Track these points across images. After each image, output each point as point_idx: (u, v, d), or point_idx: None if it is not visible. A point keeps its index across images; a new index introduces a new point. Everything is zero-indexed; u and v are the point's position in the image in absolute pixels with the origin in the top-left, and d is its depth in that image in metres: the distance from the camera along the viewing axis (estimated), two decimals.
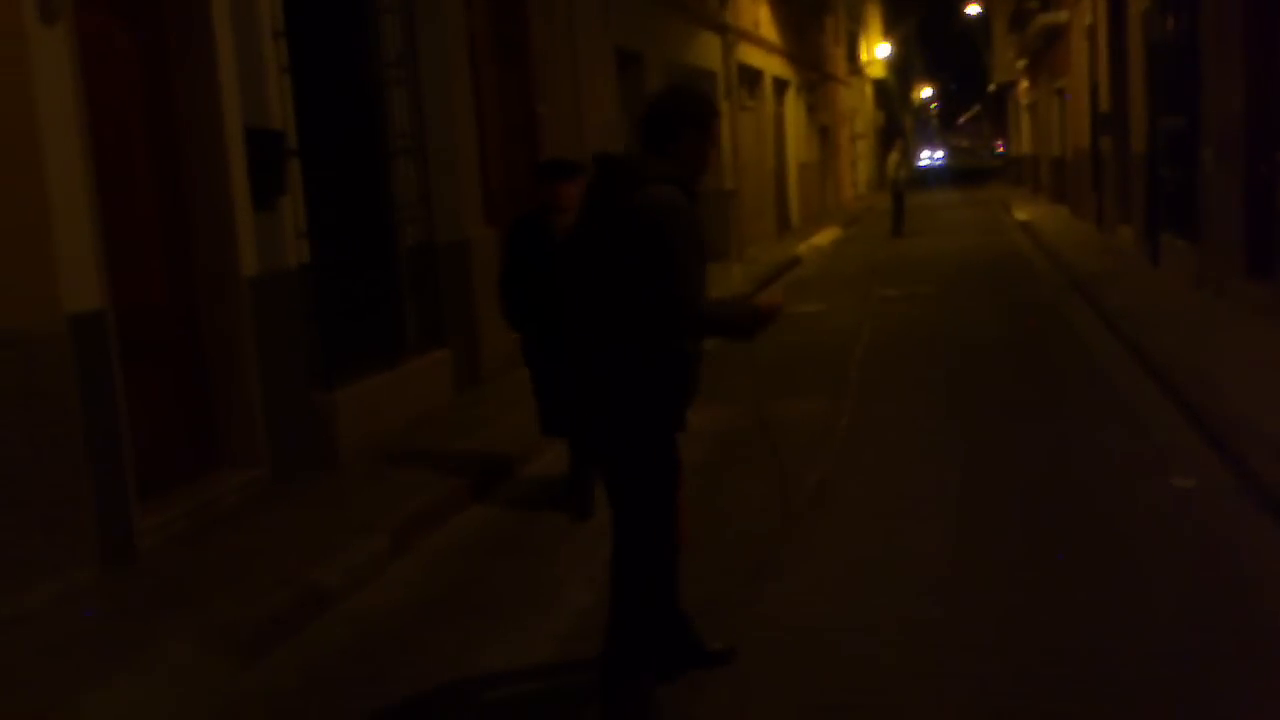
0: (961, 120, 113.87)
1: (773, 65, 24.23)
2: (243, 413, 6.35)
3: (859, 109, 44.34)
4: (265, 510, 6.13)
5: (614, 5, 12.85)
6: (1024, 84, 39.26)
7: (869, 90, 47.78)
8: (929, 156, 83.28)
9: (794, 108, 27.29)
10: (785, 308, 3.78)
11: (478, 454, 7.07)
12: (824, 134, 33.23)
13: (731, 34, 19.57)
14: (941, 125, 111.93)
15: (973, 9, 49.07)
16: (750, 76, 22.22)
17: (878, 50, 47.09)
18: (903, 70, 61.36)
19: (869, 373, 9.52)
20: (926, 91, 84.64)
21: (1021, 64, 37.22)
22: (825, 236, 23.99)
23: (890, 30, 50.28)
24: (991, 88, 54.00)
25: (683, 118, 3.79)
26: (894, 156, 25.32)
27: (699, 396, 3.86)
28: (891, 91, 55.98)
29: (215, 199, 6.18)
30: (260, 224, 6.39)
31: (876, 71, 47.93)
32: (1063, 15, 24.35)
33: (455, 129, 8.76)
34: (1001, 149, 63.32)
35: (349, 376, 7.26)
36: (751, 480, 6.51)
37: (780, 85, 25.64)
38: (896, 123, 60.75)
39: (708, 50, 18.29)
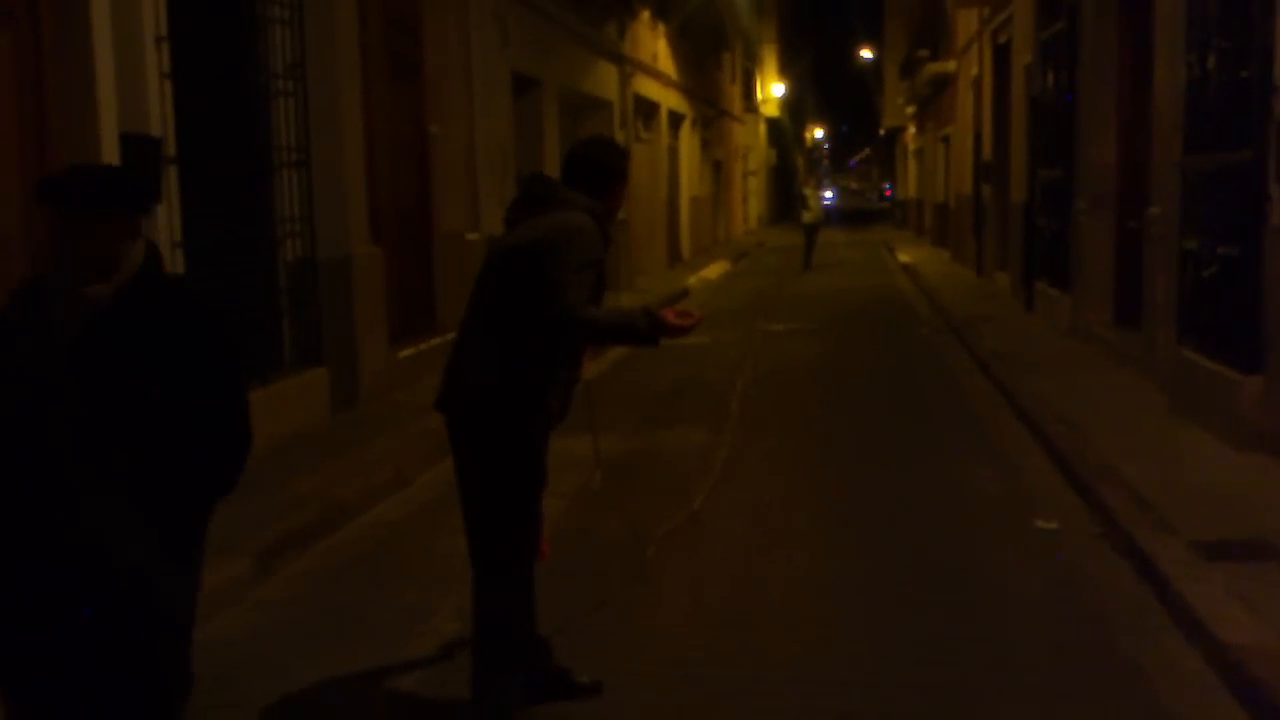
0: (852, 162, 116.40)
1: (669, 98, 24.46)
2: None
3: (753, 146, 45.02)
4: None
5: (512, 29, 12.83)
6: (912, 129, 40.28)
7: (763, 128, 48.58)
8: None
9: (689, 141, 27.57)
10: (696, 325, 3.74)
11: (349, 476, 6.93)
12: (717, 169, 33.65)
13: (629, 65, 19.71)
14: (832, 166, 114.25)
15: (866, 53, 50.28)
16: (647, 108, 22.40)
17: (773, 89, 47.94)
18: (796, 110, 62.52)
19: (750, 406, 9.60)
20: (819, 132, 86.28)
21: (911, 110, 38.20)
22: (714, 270, 24.23)
23: (785, 70, 51.22)
24: (882, 132, 55.33)
25: (616, 173, 4.02)
26: (811, 192, 27.18)
27: (571, 422, 3.88)
28: (785, 130, 56.97)
29: None
30: None
31: (771, 110, 48.77)
32: (951, 65, 25.07)
33: (342, 144, 8.63)
34: (889, 192, 64.87)
35: None
36: (625, 511, 6.50)
37: (676, 119, 25.89)
38: (789, 161, 61.85)
39: (605, 80, 18.39)
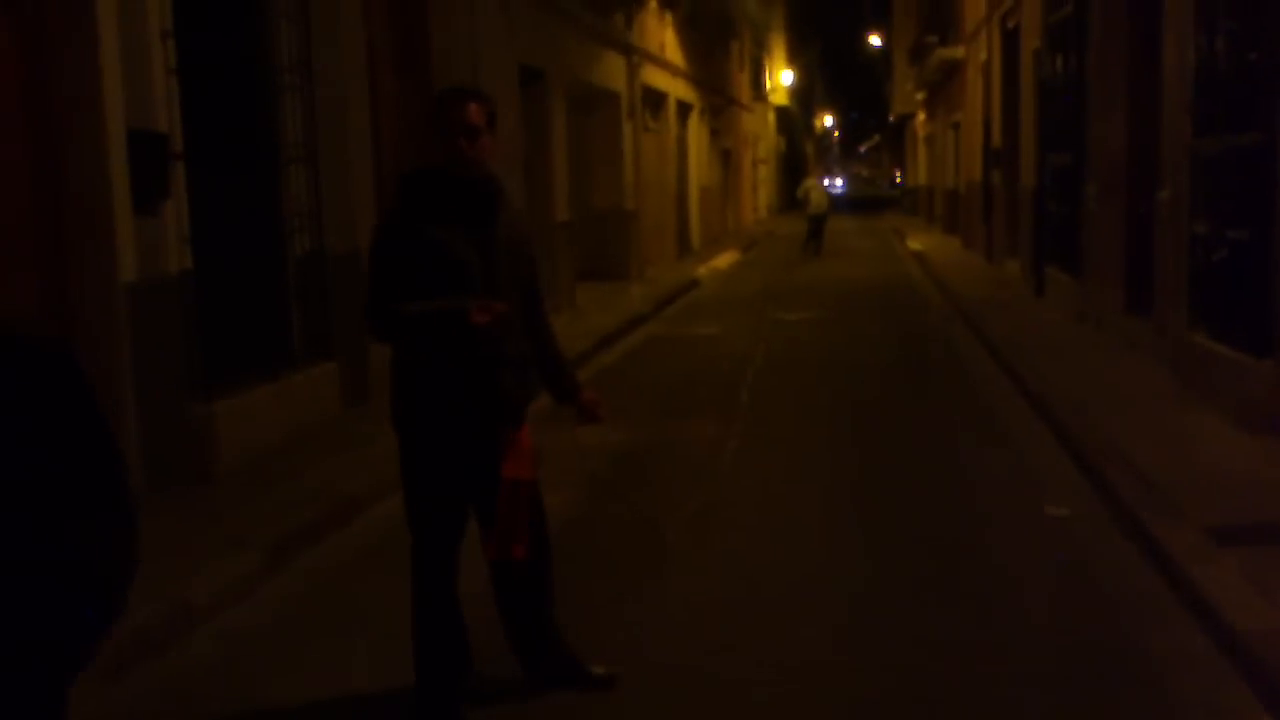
0: (862, 149, 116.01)
1: (677, 88, 24.41)
2: (115, 423, 6.13)
3: (761, 135, 44.91)
4: (142, 524, 5.93)
5: (518, 21, 12.81)
6: (921, 116, 40.13)
7: (772, 117, 48.43)
8: (829, 184, 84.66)
9: (697, 131, 27.50)
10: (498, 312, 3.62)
11: (360, 469, 6.95)
12: (726, 158, 33.56)
13: (637, 55, 19.66)
14: (842, 153, 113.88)
15: (875, 40, 50.07)
16: (654, 98, 22.35)
17: (782, 77, 47.79)
18: (805, 98, 62.36)
19: (760, 396, 9.60)
20: (828, 120, 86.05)
21: (920, 96, 38.05)
22: (724, 259, 24.19)
23: (794, 58, 51.08)
24: (891, 118, 55.14)
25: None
26: (813, 185, 27.28)
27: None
28: (794, 118, 56.83)
29: (93, 201, 5.98)
30: (141, 229, 6.21)
31: (780, 98, 48.62)
32: (960, 51, 24.96)
33: (350, 138, 8.64)
34: (899, 179, 64.68)
35: (230, 388, 7.09)
36: (636, 503, 6.51)
37: (684, 108, 25.83)
38: (799, 149, 61.68)
39: (612, 70, 18.35)
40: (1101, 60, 11.40)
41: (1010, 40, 17.74)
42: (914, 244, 26.34)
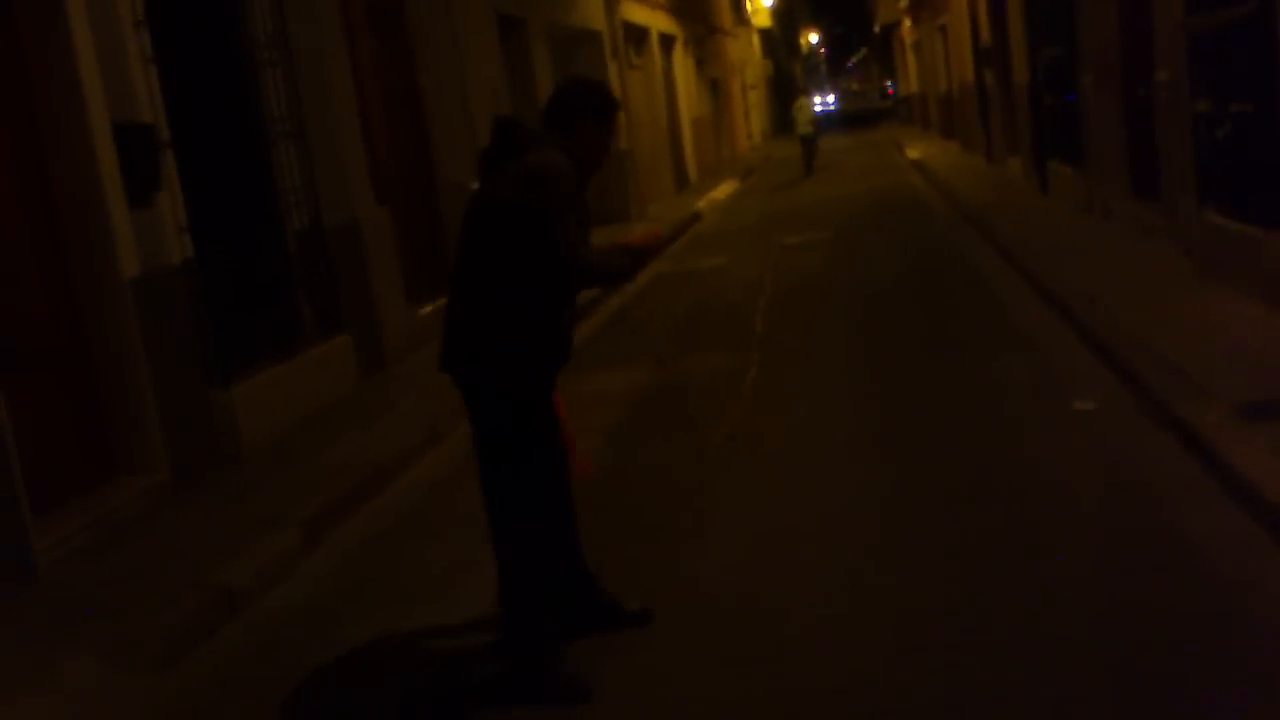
0: (850, 64, 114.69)
1: (658, 21, 24.11)
2: (136, 418, 6.17)
3: (748, 60, 44.41)
4: (168, 515, 5.98)
5: None
6: (907, 23, 39.57)
7: (756, 40, 47.88)
8: (821, 102, 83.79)
9: (683, 63, 27.20)
10: (661, 240, 3.98)
11: (385, 439, 6.96)
12: (715, 87, 33.22)
13: None
14: (830, 70, 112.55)
15: None
16: (636, 34, 22.08)
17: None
18: (788, 18, 61.52)
19: (773, 324, 9.56)
20: (813, 37, 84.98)
21: (904, 3, 37.50)
22: (723, 190, 24.03)
23: None
24: (877, 29, 54.38)
25: (581, 109, 3.93)
26: (802, 105, 27.63)
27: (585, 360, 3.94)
28: (778, 40, 56.14)
29: (86, 200, 5.96)
30: (138, 222, 6.18)
31: (762, 21, 48.01)
32: None
33: (335, 107, 8.56)
34: (890, 90, 63.92)
35: (246, 371, 7.10)
36: (662, 441, 6.51)
37: (667, 41, 25.53)
38: (786, 71, 61.02)
39: (591, 10, 18.11)
40: None
41: None
42: (913, 152, 26.10)
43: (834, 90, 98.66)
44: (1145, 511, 4.60)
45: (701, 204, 21.15)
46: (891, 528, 4.83)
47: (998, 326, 8.27)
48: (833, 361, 8.04)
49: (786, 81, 57.90)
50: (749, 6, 44.88)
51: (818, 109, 43.98)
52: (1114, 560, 4.20)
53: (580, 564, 4.18)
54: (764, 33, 49.85)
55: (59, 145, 5.91)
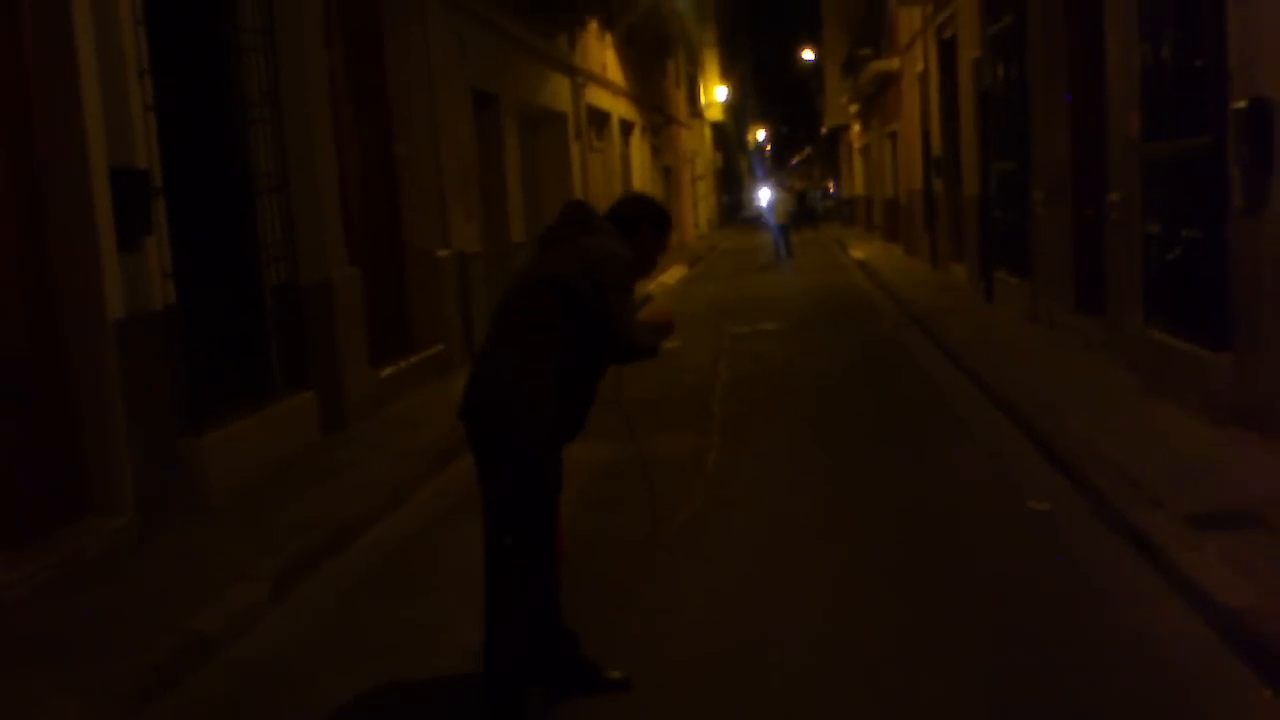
0: (794, 161, 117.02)
1: (619, 107, 24.63)
2: (108, 459, 6.16)
3: (699, 151, 45.30)
4: (135, 559, 5.96)
5: (470, 46, 12.92)
6: (856, 128, 40.69)
7: (708, 133, 48.89)
8: (767, 198, 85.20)
9: (639, 149, 27.75)
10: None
11: (349, 496, 7.00)
12: (668, 174, 33.85)
13: (581, 76, 19.84)
14: (774, 166, 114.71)
15: (807, 55, 50.68)
16: (599, 118, 22.53)
17: (716, 93, 48.25)
18: (738, 113, 62.89)
19: (730, 408, 9.75)
20: (760, 134, 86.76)
21: (854, 109, 38.60)
22: (673, 274, 24.38)
23: (727, 73, 51.58)
24: (824, 131, 55.75)
25: (645, 216, 4.39)
26: (782, 198, 30.74)
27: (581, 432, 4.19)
28: (729, 134, 57.34)
29: (79, 240, 6.01)
30: (125, 265, 6.24)
31: (715, 114, 49.12)
32: (895, 62, 25.42)
33: (317, 167, 8.70)
34: (831, 190, 65.22)
35: (216, 420, 7.11)
36: (624, 514, 6.62)
37: (627, 127, 26.06)
38: (734, 165, 62.18)
39: (559, 92, 18.50)
40: (1042, 69, 11.75)
41: (947, 50, 18.14)
42: (857, 253, 26.72)
43: (775, 186, 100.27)
44: (1102, 609, 4.80)
45: (653, 287, 21.44)
46: (851, 607, 5.00)
47: (948, 425, 8.54)
48: (789, 448, 8.23)
49: (735, 174, 59.00)
50: (703, 99, 45.91)
51: (762, 204, 44.91)
52: (1073, 656, 4.38)
53: (562, 623, 4.30)
54: (716, 126, 50.93)
55: (57, 183, 5.97)
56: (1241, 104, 6.59)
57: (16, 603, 5.27)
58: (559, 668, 4.29)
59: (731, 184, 57.21)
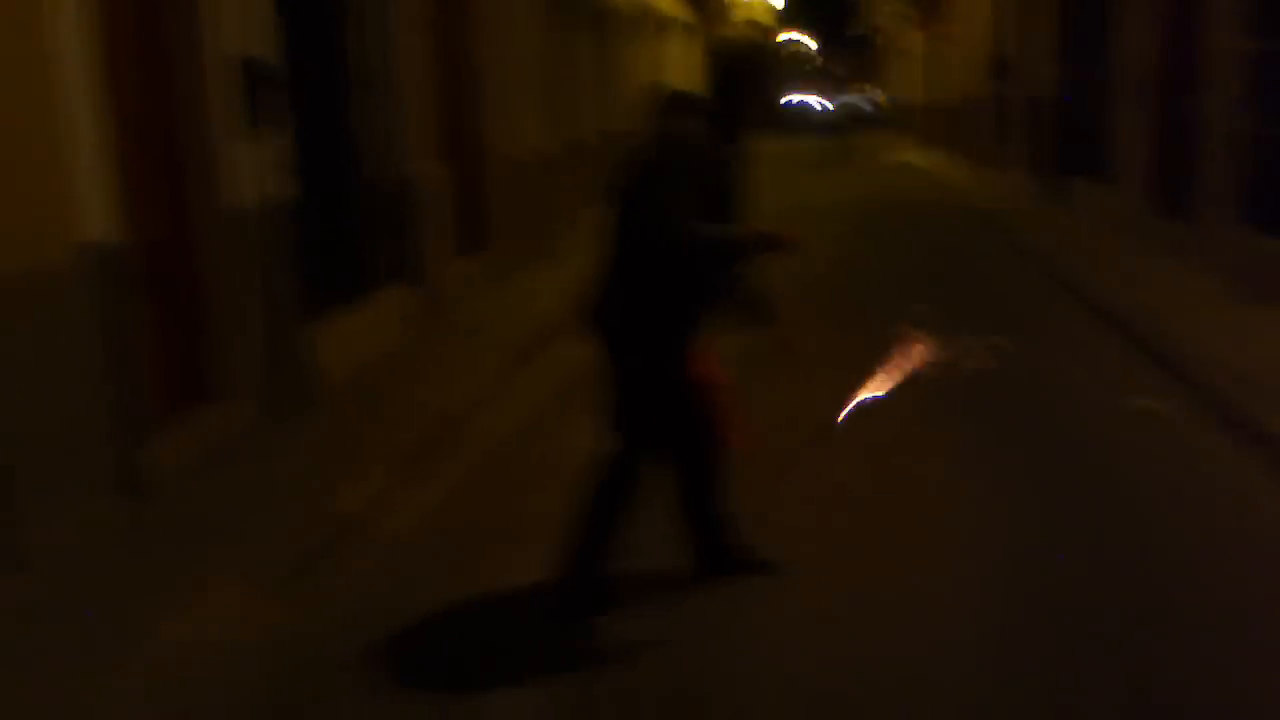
0: (838, 70, 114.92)
1: (678, 10, 24.26)
2: (237, 345, 6.31)
3: None
4: (264, 443, 6.12)
5: None
6: (908, 31, 39.88)
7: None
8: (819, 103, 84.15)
9: (692, 51, 27.39)
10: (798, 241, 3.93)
11: (454, 386, 7.13)
12: None
13: None
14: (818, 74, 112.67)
15: None
16: (649, 18, 22.20)
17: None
18: (787, 22, 61.70)
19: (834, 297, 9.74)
20: (811, 42, 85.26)
21: (905, 11, 37.78)
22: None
23: None
24: (868, 35, 54.60)
25: (738, 73, 4.08)
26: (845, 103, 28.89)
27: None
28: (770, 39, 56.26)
29: (213, 130, 6.09)
30: (254, 156, 6.34)
31: (763, 17, 48.16)
32: None
33: (414, 64, 8.75)
34: (882, 98, 64.17)
35: (326, 312, 7.26)
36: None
37: (684, 27, 25.71)
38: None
39: None
40: None
41: None
42: (917, 160, 26.42)
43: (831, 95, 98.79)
44: (1231, 504, 4.88)
45: None
46: (979, 533, 5.09)
47: (1048, 330, 8.44)
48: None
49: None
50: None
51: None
52: (1210, 550, 4.47)
53: (717, 508, 4.38)
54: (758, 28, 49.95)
55: (188, 75, 6.03)
56: None
57: (160, 481, 5.44)
58: (710, 550, 4.41)
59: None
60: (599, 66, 17.56)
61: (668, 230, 3.71)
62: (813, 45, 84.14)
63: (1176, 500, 4.97)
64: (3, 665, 3.86)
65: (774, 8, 49.90)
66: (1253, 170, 8.20)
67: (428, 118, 9.09)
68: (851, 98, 55.49)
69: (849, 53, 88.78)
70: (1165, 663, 3.64)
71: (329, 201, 7.75)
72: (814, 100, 38.00)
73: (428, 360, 7.87)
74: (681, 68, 26.37)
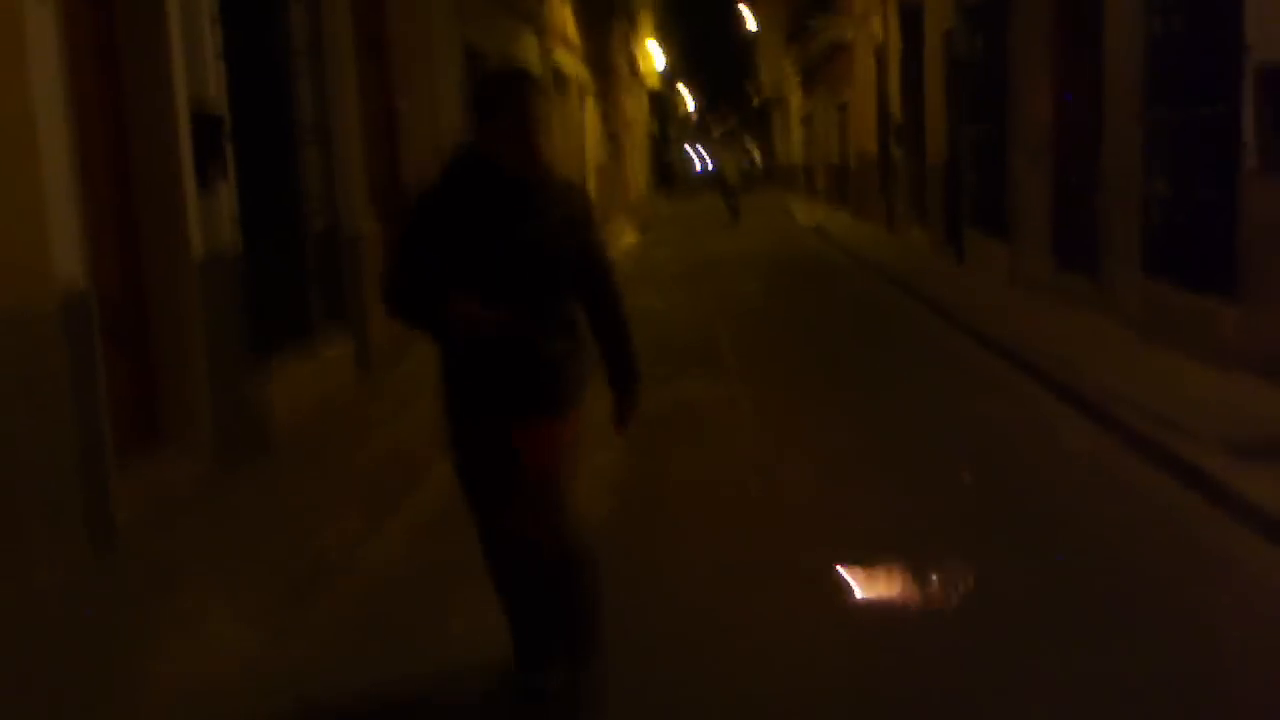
0: (716, 134, 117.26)
1: (579, 70, 24.71)
2: (188, 396, 6.30)
3: (637, 118, 45.38)
4: (222, 491, 6.11)
5: (466, 5, 13.02)
6: (797, 97, 41.13)
7: (645, 100, 48.94)
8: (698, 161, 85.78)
9: (592, 112, 27.85)
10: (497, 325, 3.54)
11: (406, 435, 7.20)
12: (613, 140, 33.96)
13: (547, 35, 19.91)
14: (697, 135, 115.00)
15: (749, 23, 50.92)
16: (560, 81, 22.61)
17: (654, 60, 48.31)
18: (667, 80, 62.99)
19: (742, 358, 10.05)
20: (689, 102, 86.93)
21: (796, 78, 39.01)
22: (628, 238, 24.61)
23: (661, 40, 51.62)
24: (756, 100, 56.12)
25: (482, 100, 3.66)
26: (728, 159, 31.52)
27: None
28: (665, 101, 57.46)
29: (165, 182, 6.13)
30: (203, 208, 6.37)
31: (653, 81, 49.17)
32: (848, 31, 25.80)
33: (348, 122, 8.84)
34: (757, 159, 65.87)
35: (272, 361, 7.27)
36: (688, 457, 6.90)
37: (581, 89, 26.14)
38: (667, 131, 62.41)
39: (530, 51, 18.58)
40: (1025, 40, 12.18)
41: (910, 20, 18.54)
42: (805, 217, 27.16)
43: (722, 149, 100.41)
44: (1166, 536, 5.21)
45: (613, 252, 21.68)
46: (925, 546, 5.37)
47: (966, 377, 8.84)
48: (812, 395, 8.56)
49: (667, 141, 59.21)
50: (641, 66, 45.94)
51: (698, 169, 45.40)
52: (1146, 575, 4.79)
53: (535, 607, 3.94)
54: (652, 94, 50.99)
55: (144, 127, 6.08)
56: (1258, 71, 7.06)
57: (125, 529, 5.40)
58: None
59: (661, 151, 57.54)
60: None
61: (388, 291, 3.71)
62: (691, 104, 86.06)
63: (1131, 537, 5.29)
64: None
65: (662, 73, 50.91)
66: (1151, 223, 8.75)
67: (362, 174, 9.19)
68: (735, 154, 56.74)
69: (735, 111, 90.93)
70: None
71: (277, 252, 7.80)
72: (694, 157, 38.84)
73: (374, 408, 7.91)
74: (587, 133, 26.85)
